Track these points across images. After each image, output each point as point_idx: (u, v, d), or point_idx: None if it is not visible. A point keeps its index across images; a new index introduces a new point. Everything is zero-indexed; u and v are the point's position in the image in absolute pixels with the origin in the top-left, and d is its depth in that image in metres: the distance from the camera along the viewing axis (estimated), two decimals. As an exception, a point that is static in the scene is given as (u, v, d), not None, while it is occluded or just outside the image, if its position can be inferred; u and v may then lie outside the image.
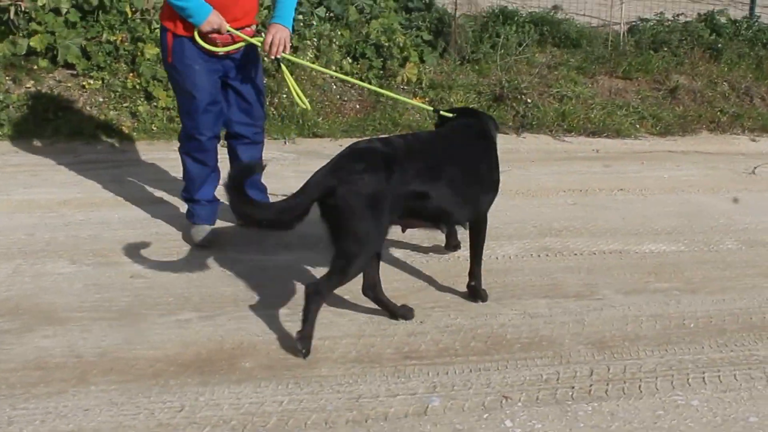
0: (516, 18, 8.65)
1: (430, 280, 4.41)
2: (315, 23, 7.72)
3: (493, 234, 4.91)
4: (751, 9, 9.77)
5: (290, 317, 3.94)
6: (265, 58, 5.08)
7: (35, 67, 7.01)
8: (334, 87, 7.39)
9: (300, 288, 4.20)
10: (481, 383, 3.50)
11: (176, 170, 5.82)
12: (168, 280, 4.28)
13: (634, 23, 8.77)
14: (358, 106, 7.23)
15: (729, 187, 6.20)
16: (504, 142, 6.81)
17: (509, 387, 3.49)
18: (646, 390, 3.52)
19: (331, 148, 6.59)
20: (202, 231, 4.75)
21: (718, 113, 7.70)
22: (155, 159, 6.20)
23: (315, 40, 7.51)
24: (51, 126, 6.56)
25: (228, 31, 4.34)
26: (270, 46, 4.34)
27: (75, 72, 7.05)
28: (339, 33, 7.68)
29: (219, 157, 4.79)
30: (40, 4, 7.01)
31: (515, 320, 4.05)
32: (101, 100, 6.88)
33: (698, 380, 3.61)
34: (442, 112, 4.37)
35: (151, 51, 7.04)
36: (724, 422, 3.32)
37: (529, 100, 7.36)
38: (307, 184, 3.58)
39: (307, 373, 3.51)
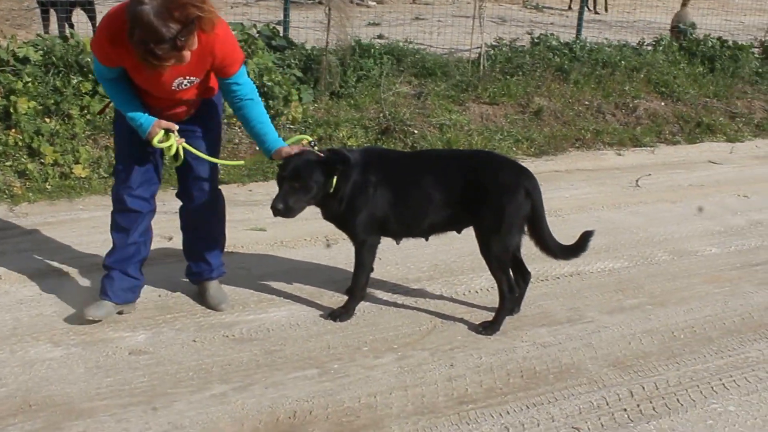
0: (372, 50, 8.80)
1: (432, 322, 4.45)
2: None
3: (452, 268, 5.09)
4: (578, 32, 10.55)
5: (323, 376, 3.86)
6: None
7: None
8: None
9: (318, 343, 4.13)
10: (545, 418, 3.61)
11: (96, 232, 5.51)
12: (172, 353, 4.04)
13: (484, 50, 9.16)
14: (255, 148, 7.08)
15: (626, 201, 6.68)
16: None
17: (572, 418, 3.62)
18: (686, 403, 3.77)
19: (244, 194, 6.46)
20: (98, 306, 4.28)
21: (582, 131, 8.26)
22: (65, 221, 5.77)
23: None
24: (-70, 194, 5.94)
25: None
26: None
27: (-60, 132, 6.42)
28: (216, 75, 7.48)
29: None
30: None
31: (532, 352, 4.18)
32: (-22, 160, 6.31)
33: (720, 387, 3.91)
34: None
35: (25, 105, 6.55)
36: (766, 423, 3.63)
37: (415, 131, 7.53)
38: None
39: (379, 433, 3.46)
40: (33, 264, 5.01)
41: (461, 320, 4.48)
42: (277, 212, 4.10)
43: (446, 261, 5.23)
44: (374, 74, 8.38)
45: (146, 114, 4.01)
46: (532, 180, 4.28)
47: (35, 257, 5.09)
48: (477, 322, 4.43)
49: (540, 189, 4.31)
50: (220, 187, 4.58)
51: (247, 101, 4.10)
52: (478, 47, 9.07)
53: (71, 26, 9.60)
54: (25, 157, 6.40)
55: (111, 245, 4.37)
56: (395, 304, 4.64)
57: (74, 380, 3.78)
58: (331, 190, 4.18)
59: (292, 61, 8.06)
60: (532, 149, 7.89)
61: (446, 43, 10.20)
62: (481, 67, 8.67)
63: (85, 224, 5.74)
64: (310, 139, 4.31)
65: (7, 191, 6.10)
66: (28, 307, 4.44)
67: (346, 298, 4.52)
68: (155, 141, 4.02)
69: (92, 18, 10.17)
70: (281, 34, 8.82)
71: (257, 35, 8.40)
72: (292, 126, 7.41)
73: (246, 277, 4.88)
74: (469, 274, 5.06)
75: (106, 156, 6.54)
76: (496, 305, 4.45)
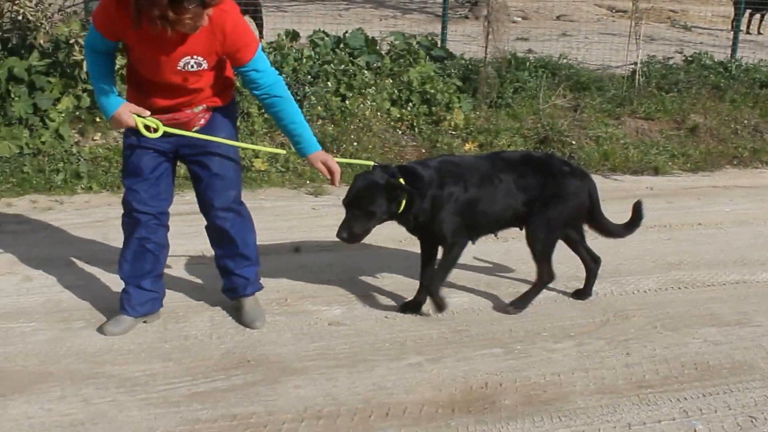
0: (527, 64, 9.11)
1: (605, 315, 4.71)
2: (357, 73, 7.96)
3: (620, 270, 5.33)
4: (733, 51, 10.57)
5: (508, 355, 4.18)
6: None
7: (98, 119, 7.00)
8: (387, 134, 7.62)
9: (500, 327, 4.45)
10: (722, 406, 3.82)
11: (279, 219, 6.00)
12: (368, 326, 4.43)
13: (639, 67, 9.32)
14: (422, 151, 7.50)
15: (785, 218, 6.78)
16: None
17: (747, 408, 3.82)
18: None
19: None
20: (117, 322, 4.31)
21: (739, 149, 8.34)
22: (251, 209, 6.23)
23: (364, 90, 7.75)
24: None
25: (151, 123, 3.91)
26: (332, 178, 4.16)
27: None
28: (381, 82, 7.94)
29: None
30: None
31: (704, 348, 4.39)
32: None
33: None
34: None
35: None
36: None
37: (573, 142, 7.79)
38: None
39: (565, 406, 3.76)
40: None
41: (633, 315, 4.72)
42: (342, 240, 4.19)
43: (612, 263, 5.47)
44: (530, 86, 8.69)
45: (116, 98, 3.86)
46: (592, 182, 4.78)
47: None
48: (647, 319, 4.66)
49: (596, 187, 4.79)
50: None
51: (275, 98, 3.95)
52: (631, 64, 9.27)
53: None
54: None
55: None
56: (568, 298, 4.92)
57: (283, 343, 4.23)
58: (400, 211, 4.26)
59: (452, 71, 8.43)
60: (688, 165, 8.03)
61: (595, 59, 10.39)
62: (637, 83, 8.84)
63: (268, 212, 6.26)
64: (374, 163, 4.38)
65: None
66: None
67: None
68: (142, 130, 3.88)
69: (260, 26, 10.78)
70: (438, 46, 9.21)
71: (417, 45, 8.83)
72: (453, 132, 7.78)
73: (425, 266, 5.25)
74: (637, 276, 5.29)
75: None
76: (665, 305, 4.82)
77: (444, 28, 9.64)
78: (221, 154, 4.11)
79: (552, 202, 4.55)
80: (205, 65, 3.78)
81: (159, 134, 3.92)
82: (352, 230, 4.17)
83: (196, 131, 4.02)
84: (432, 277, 4.51)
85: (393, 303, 4.73)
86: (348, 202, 4.19)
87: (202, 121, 4.04)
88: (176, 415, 3.59)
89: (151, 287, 4.31)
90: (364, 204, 4.16)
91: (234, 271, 4.37)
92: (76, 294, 4.72)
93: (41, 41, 6.88)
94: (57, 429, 3.47)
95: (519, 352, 4.23)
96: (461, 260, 5.24)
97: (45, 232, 5.76)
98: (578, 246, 4.87)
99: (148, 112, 3.89)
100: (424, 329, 4.43)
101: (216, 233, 4.29)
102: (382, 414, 3.64)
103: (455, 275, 5.09)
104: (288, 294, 4.79)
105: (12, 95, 6.70)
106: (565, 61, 9.38)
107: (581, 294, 4.90)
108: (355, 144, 7.22)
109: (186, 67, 3.75)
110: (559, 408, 3.73)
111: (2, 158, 6.64)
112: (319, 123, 7.40)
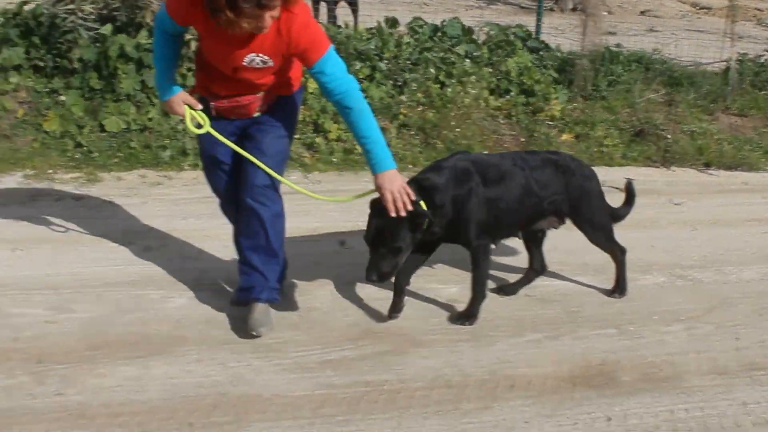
0: (620, 57, 9.19)
1: (711, 302, 4.87)
2: (456, 61, 8.14)
3: (721, 260, 5.45)
4: (829, 50, 10.49)
5: (621, 335, 4.39)
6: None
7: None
8: (486, 122, 7.80)
9: (611, 309, 4.63)
10: (835, 390, 3.96)
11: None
12: (485, 304, 4.57)
13: (734, 64, 9.34)
14: (520, 140, 7.68)
15: None
16: (659, 176, 7.43)
17: None
18: None
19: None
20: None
21: (834, 149, 8.36)
22: (355, 190, 6.40)
23: (464, 78, 7.93)
24: (236, 157, 6.84)
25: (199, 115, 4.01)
26: (393, 204, 3.87)
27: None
28: (480, 71, 8.12)
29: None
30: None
31: (815, 336, 4.52)
32: (275, 132, 7.19)
33: None
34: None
35: (314, 84, 7.36)
36: None
37: (668, 136, 7.89)
38: None
39: (681, 384, 3.95)
40: (339, 223, 5.77)
41: (738, 303, 4.85)
42: (373, 282, 4.08)
43: (714, 253, 5.60)
44: (624, 80, 8.78)
45: (174, 83, 3.99)
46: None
47: (339, 218, 5.85)
48: (753, 307, 4.79)
49: None
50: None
51: (346, 109, 3.85)
52: (722, 61, 9.30)
53: (334, 18, 10.45)
54: (311, 132, 7.25)
55: None
56: (673, 285, 5.07)
57: (406, 318, 4.45)
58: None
59: (549, 62, 8.58)
60: (781, 162, 8.10)
61: (686, 55, 10.40)
62: (731, 80, 8.89)
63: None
64: None
65: (299, 161, 6.93)
66: (347, 256, 5.23)
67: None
68: (188, 123, 3.99)
69: (355, 11, 10.95)
70: (533, 37, 9.34)
71: (513, 36, 8.98)
72: (551, 122, 7.93)
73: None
74: (738, 266, 5.41)
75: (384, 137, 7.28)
76: (768, 294, 4.90)
77: (539, 19, 9.77)
78: (273, 135, 4.06)
79: (585, 196, 4.63)
80: (270, 63, 3.80)
81: (203, 131, 4.00)
82: (381, 270, 3.99)
83: (257, 116, 4.07)
84: (473, 293, 4.41)
85: (505, 283, 4.92)
86: (371, 240, 4.02)
87: (265, 106, 4.05)
88: (311, 380, 3.85)
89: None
90: (389, 241, 3.95)
91: (257, 266, 4.12)
92: (199, 265, 4.99)
93: (149, 20, 7.14)
94: (200, 389, 3.74)
95: (632, 333, 4.41)
96: (569, 246, 5.44)
97: (157, 206, 6.00)
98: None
99: (201, 106, 3.98)
100: (538, 309, 4.64)
101: (247, 217, 4.07)
102: (508, 385, 3.86)
103: (564, 260, 5.27)
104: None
105: (120, 72, 7.00)
106: (657, 56, 9.44)
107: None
108: (456, 131, 7.42)
109: (251, 64, 3.78)
110: (676, 386, 3.92)
111: (110, 133, 6.94)
112: (419, 109, 7.61)
